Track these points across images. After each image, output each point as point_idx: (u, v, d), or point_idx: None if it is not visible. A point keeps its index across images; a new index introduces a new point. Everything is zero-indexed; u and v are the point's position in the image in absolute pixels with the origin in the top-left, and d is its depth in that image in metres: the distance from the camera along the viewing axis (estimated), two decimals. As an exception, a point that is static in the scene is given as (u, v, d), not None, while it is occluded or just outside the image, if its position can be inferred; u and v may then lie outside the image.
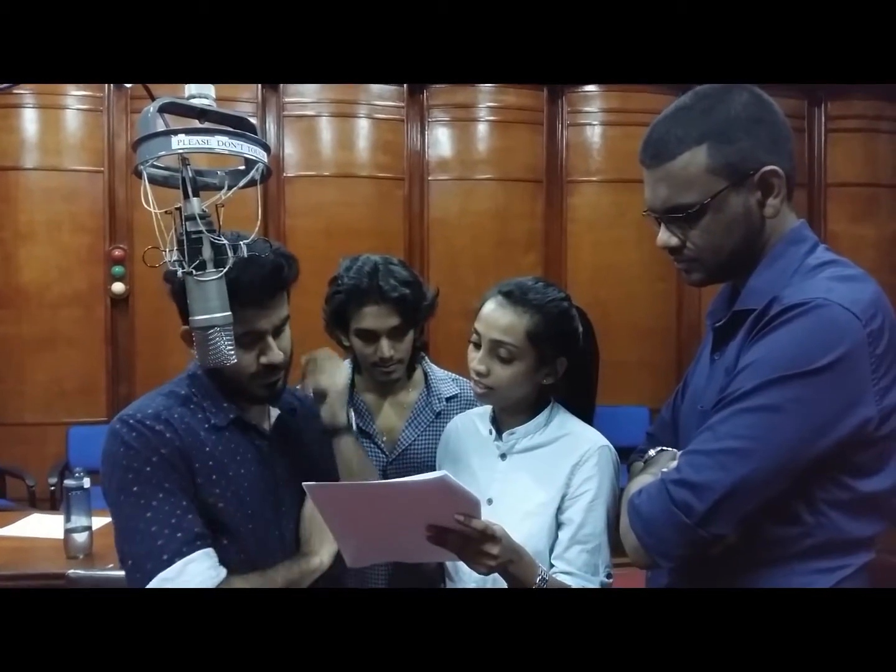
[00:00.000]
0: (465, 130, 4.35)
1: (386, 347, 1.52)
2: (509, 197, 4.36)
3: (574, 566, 1.22)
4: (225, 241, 0.98)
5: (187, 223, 0.96)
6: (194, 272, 0.96)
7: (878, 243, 4.42)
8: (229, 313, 1.00)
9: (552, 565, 1.23)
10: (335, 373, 1.45)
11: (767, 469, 0.93)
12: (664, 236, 1.06)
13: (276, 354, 1.20)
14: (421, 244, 4.30)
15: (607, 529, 1.25)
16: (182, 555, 1.10)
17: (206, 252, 0.97)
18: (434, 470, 1.55)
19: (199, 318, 0.98)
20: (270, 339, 1.20)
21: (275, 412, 1.32)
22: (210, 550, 1.14)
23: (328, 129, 4.23)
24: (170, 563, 1.09)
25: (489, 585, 1.25)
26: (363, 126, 4.25)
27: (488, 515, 1.27)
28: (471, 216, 4.33)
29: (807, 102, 4.42)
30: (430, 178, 4.32)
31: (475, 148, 4.36)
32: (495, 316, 1.27)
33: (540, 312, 1.26)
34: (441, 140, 4.35)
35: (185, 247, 0.96)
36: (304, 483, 1.05)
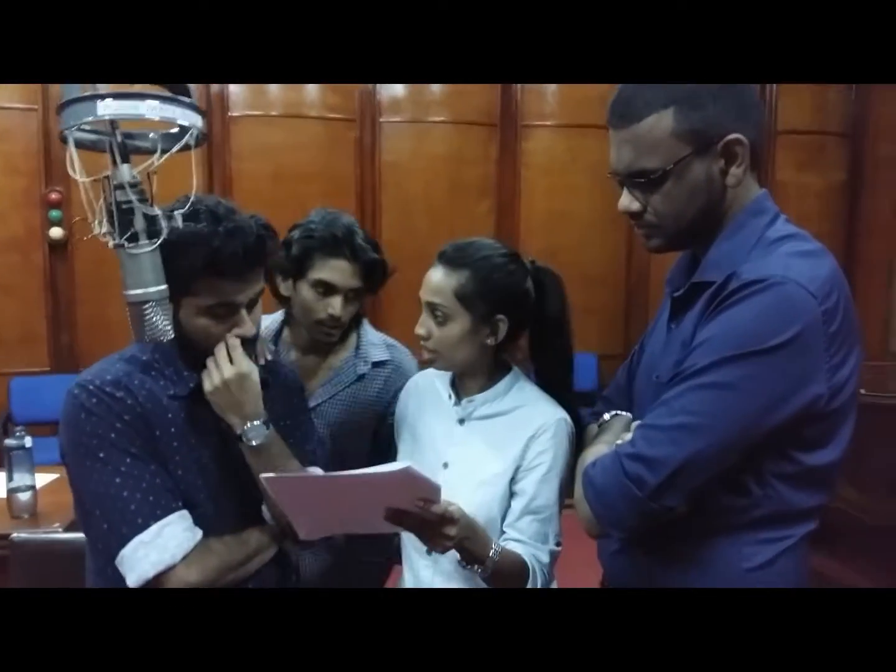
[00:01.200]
0: (417, 70, 4.23)
1: (339, 306, 1.49)
2: (463, 140, 4.28)
3: (525, 535, 1.23)
4: (158, 212, 0.94)
5: (117, 192, 0.92)
6: (126, 244, 0.92)
7: (823, 192, 4.49)
8: (164, 287, 0.97)
9: (503, 532, 1.25)
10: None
11: (719, 445, 0.94)
12: (625, 200, 1.06)
13: (248, 328, 1.17)
14: (373, 189, 4.22)
15: (559, 500, 1.27)
16: (157, 518, 1.09)
17: (139, 223, 0.93)
18: (340, 427, 1.56)
19: (133, 292, 0.95)
20: (244, 312, 1.17)
21: None
22: (184, 513, 1.13)
23: (275, 66, 4.07)
24: (145, 526, 1.08)
25: (444, 564, 1.27)
26: (312, 64, 4.10)
27: (443, 479, 1.27)
28: (424, 160, 4.25)
29: (760, 48, 4.40)
30: (381, 119, 4.21)
31: (428, 89, 4.24)
32: (430, 279, 1.27)
33: (468, 270, 1.24)
34: (393, 80, 4.23)
35: (116, 217, 0.92)
36: (261, 475, 1.03)
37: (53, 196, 3.83)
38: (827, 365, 0.94)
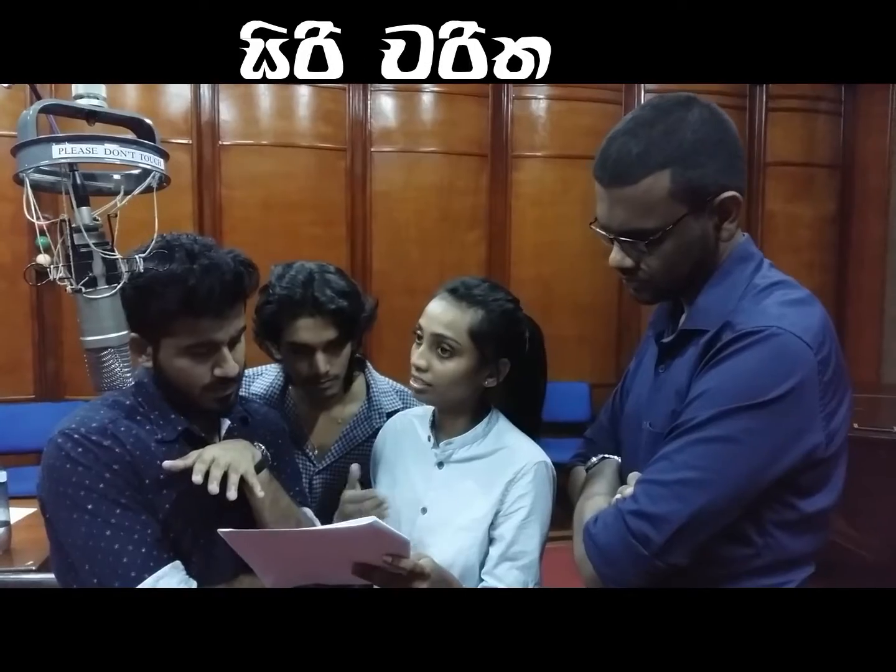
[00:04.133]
0: (409, 101, 4.24)
1: (322, 362, 1.41)
2: (454, 170, 4.29)
3: (503, 583, 1.20)
4: (118, 256, 0.92)
5: (74, 236, 0.90)
6: (84, 290, 0.90)
7: (813, 223, 4.49)
8: (125, 332, 0.94)
9: (482, 579, 1.21)
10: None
11: (724, 498, 0.93)
12: (618, 257, 1.03)
13: (231, 367, 1.14)
14: (363, 218, 4.22)
15: (540, 546, 1.23)
16: (151, 570, 1.05)
17: (97, 268, 0.91)
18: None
19: (91, 338, 0.92)
20: (226, 351, 1.13)
21: (225, 423, 1.25)
22: (178, 563, 1.10)
23: (266, 95, 4.07)
24: (139, 579, 1.04)
25: None
26: (303, 93, 4.11)
27: (422, 524, 1.24)
28: (415, 190, 4.25)
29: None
30: (373, 149, 4.22)
31: (419, 119, 4.26)
32: (438, 311, 1.24)
33: (483, 309, 1.23)
34: (384, 110, 4.23)
35: (73, 262, 0.90)
36: (220, 530, 0.99)
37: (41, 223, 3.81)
38: (823, 413, 0.94)
